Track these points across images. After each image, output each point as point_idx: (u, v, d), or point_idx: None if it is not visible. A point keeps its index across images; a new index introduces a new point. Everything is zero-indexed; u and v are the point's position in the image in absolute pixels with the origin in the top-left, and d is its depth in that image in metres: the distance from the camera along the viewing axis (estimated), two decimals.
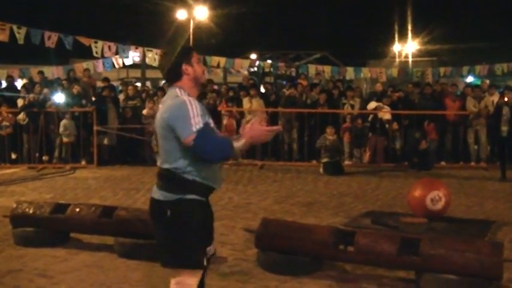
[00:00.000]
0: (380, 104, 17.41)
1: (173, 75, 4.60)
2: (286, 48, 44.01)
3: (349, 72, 25.73)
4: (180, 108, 4.36)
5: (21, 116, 17.46)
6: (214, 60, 25.13)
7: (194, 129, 4.28)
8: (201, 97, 17.92)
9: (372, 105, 17.58)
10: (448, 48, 43.01)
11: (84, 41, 22.44)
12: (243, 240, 8.62)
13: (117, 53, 23.22)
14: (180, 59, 4.58)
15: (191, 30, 46.91)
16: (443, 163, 17.23)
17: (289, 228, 7.42)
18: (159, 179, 4.61)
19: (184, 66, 4.57)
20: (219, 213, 10.63)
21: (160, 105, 4.64)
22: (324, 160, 15.90)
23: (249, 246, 8.14)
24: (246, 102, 18.14)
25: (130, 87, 19.89)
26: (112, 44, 22.64)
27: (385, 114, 17.32)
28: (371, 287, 6.76)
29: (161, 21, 47.79)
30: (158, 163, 4.68)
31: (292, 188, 13.56)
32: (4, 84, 21.30)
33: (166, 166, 4.51)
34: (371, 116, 17.50)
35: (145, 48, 23.53)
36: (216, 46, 44.67)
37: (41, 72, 21.74)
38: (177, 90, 4.52)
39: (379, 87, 19.89)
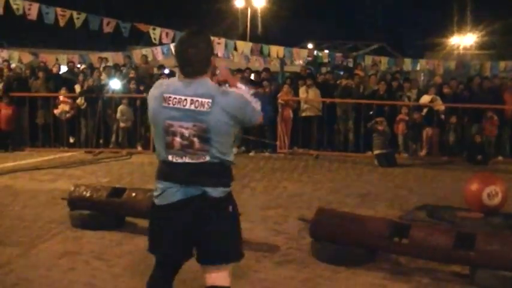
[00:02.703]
0: (434, 96, 17.26)
1: (203, 67, 4.26)
2: (343, 39, 43.81)
3: (406, 64, 25.49)
4: (240, 97, 4.27)
5: (80, 100, 17.70)
6: (272, 49, 25.11)
7: (259, 109, 4.31)
8: (255, 86, 17.95)
9: (427, 98, 17.43)
10: (507, 41, 42.29)
11: (142, 27, 22.64)
12: (297, 230, 8.62)
13: (173, 40, 23.35)
14: (211, 50, 4.35)
15: (248, 18, 46.99)
16: (500, 158, 17.00)
17: (344, 219, 7.40)
18: (208, 175, 4.28)
19: (212, 58, 4.35)
20: (273, 202, 10.74)
21: (189, 98, 4.18)
22: (377, 152, 15.81)
23: (303, 236, 8.14)
24: (302, 91, 18.10)
25: None
26: (169, 31, 22.78)
27: (440, 107, 17.15)
28: (424, 281, 6.70)
29: (218, 9, 47.97)
30: (183, 160, 4.24)
31: (346, 179, 13.52)
32: (65, 69, 21.61)
33: (218, 159, 4.28)
34: (426, 109, 17.34)
35: None
36: (273, 35, 44.68)
37: (100, 58, 22.01)
38: (210, 81, 4.31)
39: (438, 79, 19.70)
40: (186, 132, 4.17)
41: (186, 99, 4.16)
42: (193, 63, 4.21)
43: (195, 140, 4.17)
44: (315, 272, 6.88)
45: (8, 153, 17.00)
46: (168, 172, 4.30)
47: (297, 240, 8.19)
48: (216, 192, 4.29)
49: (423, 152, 17.19)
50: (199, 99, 4.14)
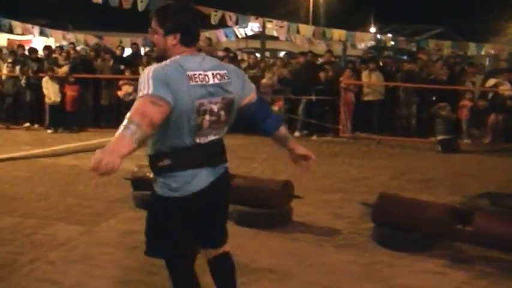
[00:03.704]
0: (500, 80, 16.96)
1: (197, 39, 4.12)
2: (406, 22, 43.31)
3: (471, 48, 25.13)
4: (239, 70, 4.31)
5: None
6: (335, 33, 24.99)
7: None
8: (318, 69, 17.93)
9: (491, 81, 17.14)
10: None
11: (204, 10, 22.72)
12: (358, 214, 8.58)
13: (237, 23, 23.40)
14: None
15: (311, 2, 46.81)
16: None
17: (406, 204, 7.35)
18: (223, 150, 4.25)
19: None
20: (335, 185, 10.72)
21: (209, 72, 3.98)
22: (440, 137, 15.62)
23: (364, 220, 8.09)
24: (365, 76, 18.00)
25: (251, 57, 20.09)
26: (232, 14, 22.83)
27: (505, 91, 16.83)
28: (486, 269, 6.59)
29: None
30: (208, 138, 4.04)
31: (408, 164, 13.40)
32: (129, 51, 21.86)
33: (220, 137, 4.15)
34: (491, 95, 17.06)
35: (265, 19, 23.63)
36: (335, 19, 44.41)
37: None
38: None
39: (503, 64, 19.37)
40: (215, 108, 3.99)
41: (207, 74, 3.96)
42: (199, 35, 4.16)
43: (222, 113, 4.04)
44: (376, 257, 6.85)
45: (73, 133, 17.30)
46: (194, 157, 3.98)
47: (358, 225, 8.15)
48: (228, 167, 4.29)
49: (488, 139, 16.88)
50: (219, 72, 4.03)
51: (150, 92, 3.71)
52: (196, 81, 3.87)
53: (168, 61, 3.88)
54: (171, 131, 3.87)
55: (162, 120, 3.73)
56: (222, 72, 4.03)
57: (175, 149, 3.93)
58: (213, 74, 3.97)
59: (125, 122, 3.71)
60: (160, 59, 3.96)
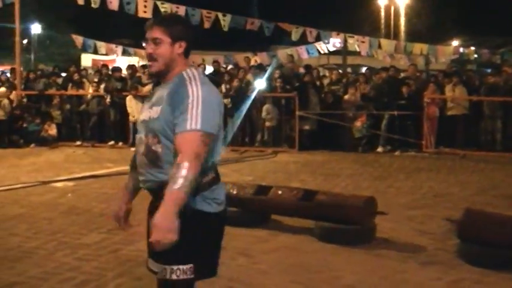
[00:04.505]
0: None
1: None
2: (489, 35, 42.60)
3: None
4: None
5: (226, 100, 18.05)
6: (416, 47, 24.76)
7: None
8: (401, 84, 17.79)
9: None
10: None
11: (286, 26, 22.81)
12: (443, 230, 8.44)
13: (317, 39, 23.41)
14: None
15: (392, 16, 46.52)
16: None
17: (494, 220, 7.19)
18: None
19: None
20: (418, 202, 10.58)
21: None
22: None
23: (449, 237, 7.96)
24: (448, 90, 17.76)
25: (334, 73, 20.10)
26: (313, 30, 22.84)
27: None
28: None
29: (362, 7, 47.69)
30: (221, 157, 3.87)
31: (494, 179, 13.12)
32: (210, 69, 22.12)
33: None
34: None
35: (347, 35, 23.57)
36: (416, 32, 43.99)
37: (247, 58, 22.39)
38: None
39: None
40: None
41: None
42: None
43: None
44: (462, 274, 6.72)
45: None
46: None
47: (442, 241, 8.02)
48: None
49: None
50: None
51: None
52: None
53: (198, 76, 3.67)
54: (216, 149, 3.68)
55: None
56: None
57: (211, 166, 3.70)
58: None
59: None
60: (160, 74, 3.78)
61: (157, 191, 3.65)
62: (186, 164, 3.34)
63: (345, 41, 23.93)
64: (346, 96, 17.89)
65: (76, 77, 20.44)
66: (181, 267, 3.64)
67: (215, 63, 22.01)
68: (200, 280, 3.75)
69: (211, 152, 3.59)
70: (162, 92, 3.70)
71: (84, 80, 20.72)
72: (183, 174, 3.33)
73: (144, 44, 3.90)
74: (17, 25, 20.96)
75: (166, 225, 3.33)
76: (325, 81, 19.86)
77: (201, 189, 3.62)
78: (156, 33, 3.73)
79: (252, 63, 21.76)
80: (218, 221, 3.77)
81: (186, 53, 3.78)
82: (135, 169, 3.99)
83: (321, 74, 22.36)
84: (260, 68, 20.14)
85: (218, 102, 3.61)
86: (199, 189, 3.58)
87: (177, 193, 3.34)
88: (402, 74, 20.03)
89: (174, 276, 3.64)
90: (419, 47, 24.87)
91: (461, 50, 28.68)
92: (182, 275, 3.64)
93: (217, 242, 3.81)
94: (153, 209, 3.70)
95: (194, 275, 3.67)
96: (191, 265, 3.64)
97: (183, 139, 3.41)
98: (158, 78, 3.86)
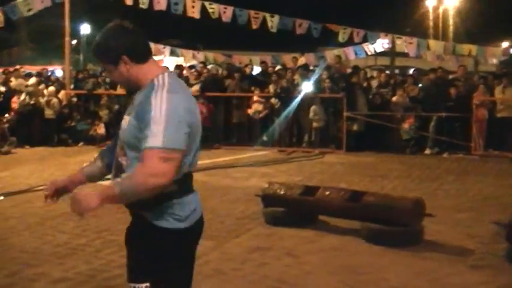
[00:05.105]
0: None
1: (149, 51, 3.64)
2: None
3: None
4: None
5: (274, 100, 18.08)
6: (465, 48, 24.48)
7: None
8: (449, 86, 17.61)
9: None
10: None
11: (334, 27, 22.72)
12: (491, 234, 8.34)
13: (364, 40, 23.28)
14: None
15: (440, 17, 46.10)
16: None
17: None
18: None
19: None
20: (466, 204, 10.47)
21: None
22: None
23: (497, 240, 7.87)
24: (498, 91, 17.54)
25: (383, 74, 19.99)
26: (360, 31, 22.72)
27: None
28: None
29: (411, 8, 47.36)
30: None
31: None
32: (259, 69, 22.16)
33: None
34: None
35: (395, 36, 23.41)
36: (466, 34, 43.52)
37: (295, 58, 22.38)
38: None
39: None
40: None
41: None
42: (146, 46, 3.63)
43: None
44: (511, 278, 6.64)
45: (204, 150, 17.61)
46: (191, 179, 3.61)
47: (491, 245, 7.93)
48: None
49: None
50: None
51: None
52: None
53: (167, 83, 3.39)
54: (189, 154, 3.47)
55: None
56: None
57: (183, 174, 3.46)
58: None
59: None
60: (134, 89, 3.50)
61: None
62: (136, 177, 3.22)
63: (393, 42, 23.75)
64: (394, 98, 17.78)
65: None
66: (137, 285, 3.48)
67: (263, 63, 22.03)
68: None
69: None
70: (136, 100, 3.47)
71: None
72: (129, 182, 3.24)
73: None
74: (66, 25, 21.22)
75: (83, 198, 3.25)
76: (373, 83, 19.73)
77: (158, 202, 3.38)
78: (101, 63, 3.64)
79: (299, 63, 21.72)
80: (177, 239, 3.48)
81: (139, 59, 3.48)
82: (101, 158, 3.85)
83: (369, 75, 22.23)
84: (306, 69, 20.12)
85: (185, 113, 3.31)
86: (155, 201, 3.36)
87: (113, 188, 3.26)
88: (450, 76, 19.84)
89: None
90: (468, 48, 24.57)
91: (511, 51, 28.23)
92: None
93: (179, 261, 3.54)
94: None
95: None
96: (147, 284, 3.46)
97: (144, 155, 3.22)
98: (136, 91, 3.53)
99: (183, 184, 3.46)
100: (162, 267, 3.46)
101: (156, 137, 3.19)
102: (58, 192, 3.79)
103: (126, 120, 3.47)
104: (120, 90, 19.61)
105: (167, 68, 3.54)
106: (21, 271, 6.67)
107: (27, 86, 19.46)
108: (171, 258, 3.47)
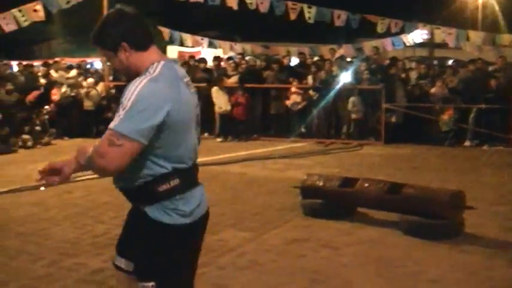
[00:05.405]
0: None
1: (150, 38, 3.51)
2: None
3: None
4: None
5: (312, 92, 18.06)
6: (505, 38, 24.21)
7: None
8: (489, 77, 17.41)
9: None
10: None
11: (372, 18, 22.62)
12: None
13: (402, 31, 23.13)
14: None
15: (480, 7, 45.59)
16: None
17: None
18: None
19: None
20: (505, 197, 10.44)
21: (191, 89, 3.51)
22: None
23: None
24: None
25: (422, 66, 19.85)
26: (399, 22, 22.59)
27: None
28: None
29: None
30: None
31: None
32: (297, 61, 22.12)
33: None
34: None
35: (433, 26, 23.22)
36: (505, 24, 43.02)
37: (333, 50, 22.30)
38: None
39: None
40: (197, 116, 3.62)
41: (189, 80, 3.55)
42: (147, 33, 3.54)
43: (199, 120, 3.67)
44: None
45: (241, 142, 17.72)
46: (195, 173, 3.59)
47: None
48: None
49: None
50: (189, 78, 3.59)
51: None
52: (191, 89, 3.52)
53: (156, 71, 3.30)
54: (179, 145, 3.39)
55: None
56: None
57: (180, 169, 3.40)
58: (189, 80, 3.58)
59: None
60: (133, 76, 3.33)
61: (124, 193, 3.55)
62: (91, 153, 3.22)
63: (432, 33, 23.55)
64: (433, 89, 17.64)
65: None
66: (145, 284, 3.39)
67: (301, 54, 21.99)
68: None
69: (168, 156, 3.33)
70: None
71: None
72: (88, 156, 3.25)
73: None
74: None
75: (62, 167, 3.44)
76: (412, 74, 19.59)
77: (159, 198, 3.34)
78: (100, 51, 3.51)
79: (337, 55, 21.64)
80: (181, 235, 3.40)
81: (139, 46, 3.39)
82: None
83: (407, 66, 22.09)
84: (343, 60, 20.05)
85: (158, 102, 3.17)
86: (156, 197, 3.34)
87: (82, 159, 3.33)
88: (490, 67, 19.62)
89: None
90: (508, 39, 24.28)
91: None
92: None
93: (183, 258, 3.49)
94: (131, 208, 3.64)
95: None
96: (152, 283, 3.36)
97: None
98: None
99: (186, 178, 3.41)
100: (168, 265, 3.39)
101: (115, 119, 3.14)
102: (52, 174, 3.54)
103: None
104: None
105: (168, 56, 3.35)
106: (61, 261, 6.73)
107: (68, 78, 19.66)
108: (178, 255, 3.42)
